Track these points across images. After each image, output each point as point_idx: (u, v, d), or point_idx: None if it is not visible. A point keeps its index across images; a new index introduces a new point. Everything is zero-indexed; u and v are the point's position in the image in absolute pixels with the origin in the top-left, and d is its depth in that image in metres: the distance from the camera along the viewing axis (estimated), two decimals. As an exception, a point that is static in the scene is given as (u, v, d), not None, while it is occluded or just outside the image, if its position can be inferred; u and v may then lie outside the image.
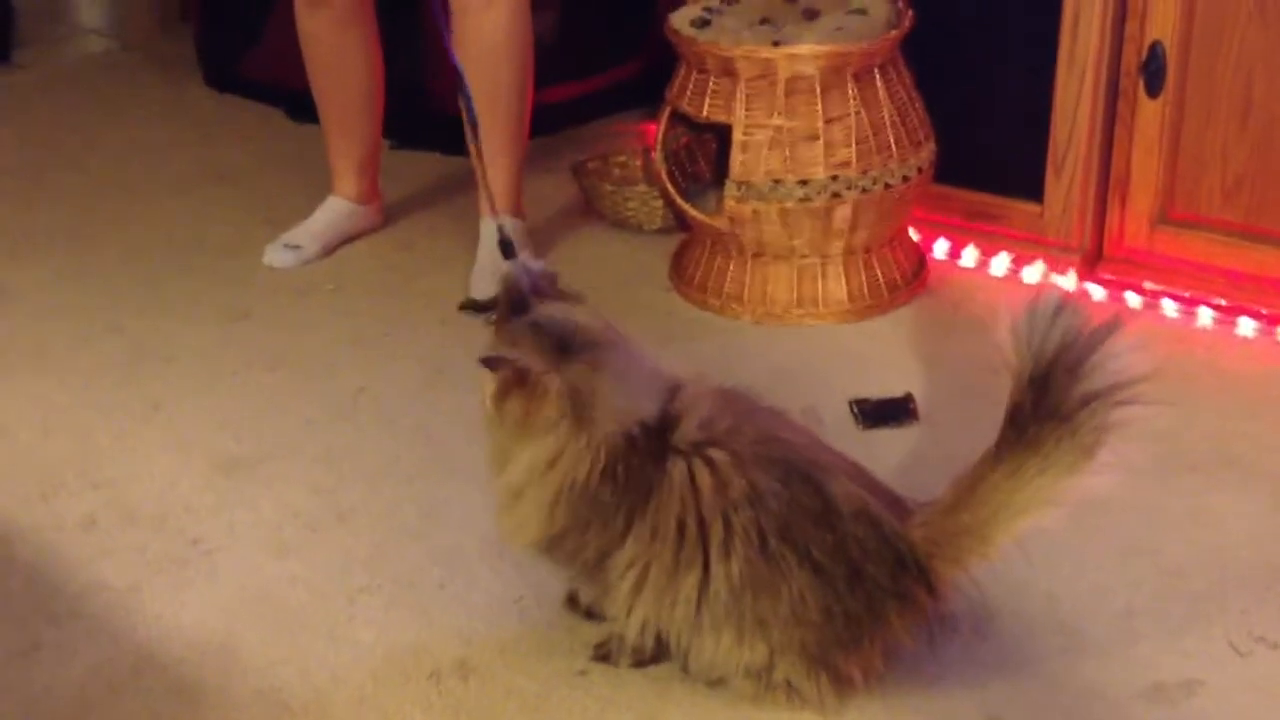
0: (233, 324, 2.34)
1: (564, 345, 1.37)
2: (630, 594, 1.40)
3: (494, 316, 1.45)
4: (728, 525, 1.35)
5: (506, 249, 2.00)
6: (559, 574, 1.53)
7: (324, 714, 1.46)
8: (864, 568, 1.36)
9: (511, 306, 1.41)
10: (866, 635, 1.38)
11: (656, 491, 1.37)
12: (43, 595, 1.66)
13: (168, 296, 2.44)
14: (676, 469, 1.37)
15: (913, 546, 1.37)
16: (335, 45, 2.48)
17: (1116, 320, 1.32)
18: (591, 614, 1.56)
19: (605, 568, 1.41)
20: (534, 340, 1.37)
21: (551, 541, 1.43)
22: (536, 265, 1.48)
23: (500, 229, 2.05)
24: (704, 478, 1.37)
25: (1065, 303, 1.32)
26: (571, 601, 1.59)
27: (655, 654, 1.49)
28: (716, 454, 1.37)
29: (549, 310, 1.41)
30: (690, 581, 1.37)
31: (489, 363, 1.38)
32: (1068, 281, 2.34)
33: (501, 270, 1.51)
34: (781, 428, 1.44)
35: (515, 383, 1.37)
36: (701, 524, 1.36)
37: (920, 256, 2.42)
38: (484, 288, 2.40)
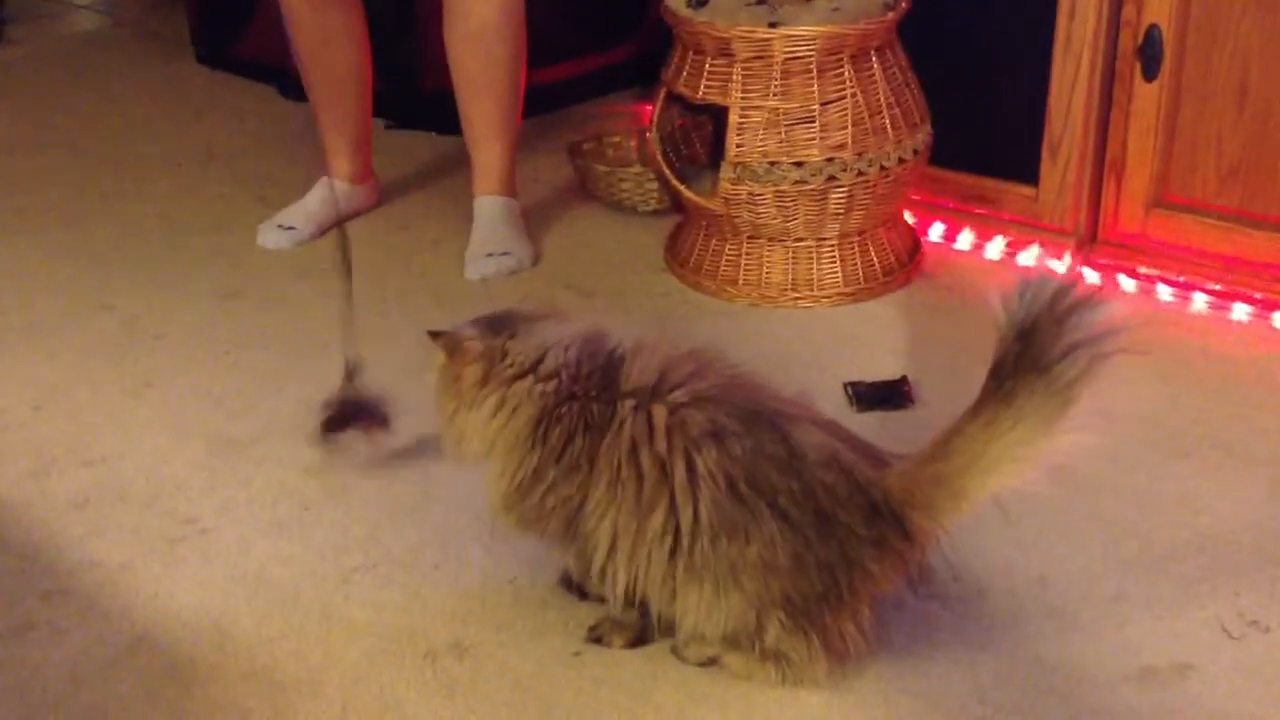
0: (225, 302, 2.33)
1: (494, 324, 1.48)
2: (606, 545, 1.40)
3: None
4: (690, 465, 1.35)
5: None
6: (550, 550, 1.52)
7: (317, 693, 1.46)
8: (835, 515, 1.35)
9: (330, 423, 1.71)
10: (845, 585, 1.37)
11: (608, 433, 1.39)
12: (35, 574, 1.66)
13: (160, 274, 2.43)
14: (625, 409, 1.39)
15: (887, 493, 1.36)
16: (318, 27, 2.47)
17: (1104, 289, 1.33)
18: (585, 594, 1.57)
19: (581, 520, 1.41)
20: (470, 325, 1.49)
21: (518, 500, 1.44)
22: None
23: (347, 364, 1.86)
24: (659, 415, 1.38)
25: (1056, 276, 1.33)
26: (566, 582, 1.59)
27: (645, 631, 1.49)
28: (674, 395, 1.39)
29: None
30: (656, 522, 1.37)
31: (432, 334, 1.49)
32: (1062, 265, 2.34)
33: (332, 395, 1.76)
34: (746, 379, 1.44)
35: (448, 351, 1.47)
36: (660, 462, 1.36)
37: (915, 240, 2.42)
38: (478, 268, 2.40)
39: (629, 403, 1.40)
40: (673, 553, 1.37)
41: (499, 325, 1.48)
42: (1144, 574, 1.62)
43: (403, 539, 1.71)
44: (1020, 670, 1.47)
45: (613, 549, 1.40)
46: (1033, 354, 1.29)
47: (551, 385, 1.42)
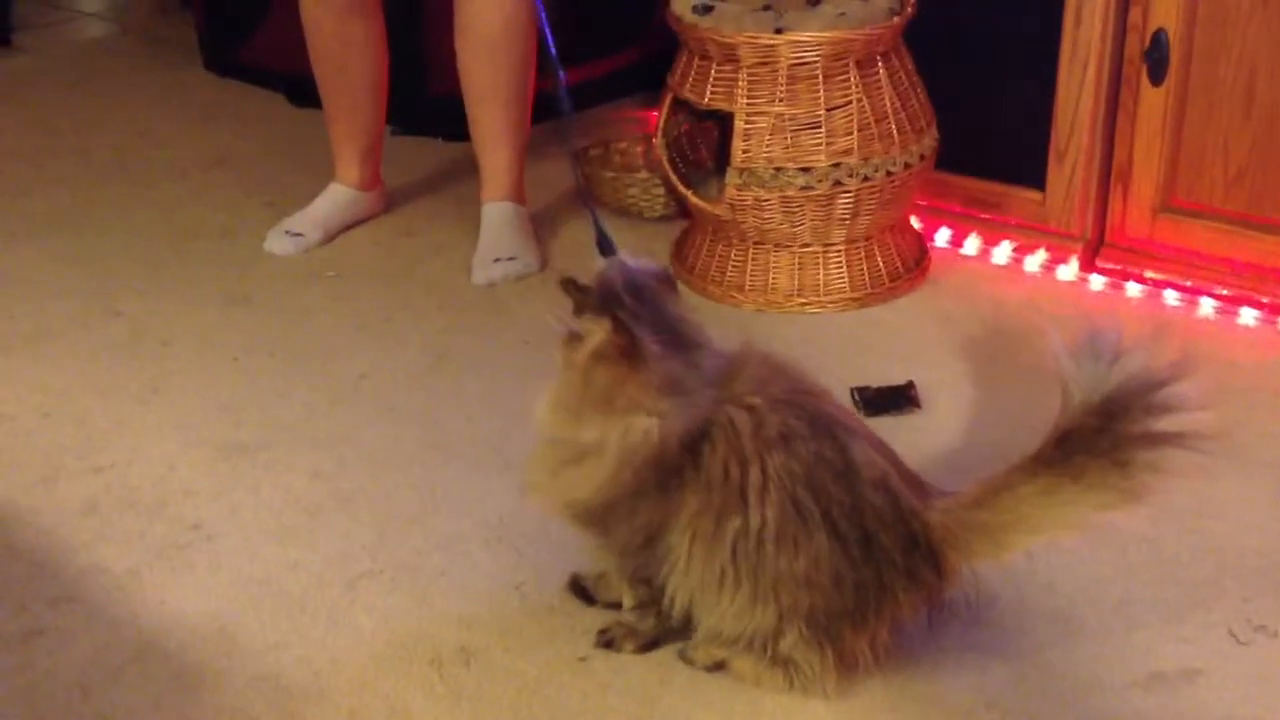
0: (233, 308, 2.34)
1: (678, 338, 1.39)
2: (686, 551, 1.38)
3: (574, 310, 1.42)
4: (764, 469, 1.35)
5: (604, 247, 1.81)
6: (591, 544, 1.48)
7: (324, 699, 1.46)
8: (878, 537, 1.35)
9: (603, 303, 1.39)
10: (873, 609, 1.37)
11: (707, 440, 1.36)
12: (43, 580, 1.66)
13: (167, 280, 2.44)
14: (722, 415, 1.37)
15: (927, 527, 1.36)
16: (340, 34, 2.47)
17: (1186, 363, 1.30)
18: (593, 599, 1.57)
19: (666, 531, 1.39)
20: (653, 323, 1.38)
21: (602, 507, 1.40)
22: (637, 263, 1.45)
23: (596, 224, 1.79)
24: (743, 419, 1.36)
25: (1128, 338, 1.31)
26: (575, 587, 1.59)
27: (657, 637, 1.49)
28: (753, 399, 1.38)
29: (669, 299, 1.43)
30: (733, 525, 1.36)
31: (617, 324, 1.35)
32: (1069, 270, 2.34)
33: (599, 267, 1.48)
34: (811, 386, 1.44)
35: (622, 351, 1.35)
36: (743, 466, 1.35)
37: (922, 244, 2.42)
38: (485, 274, 2.40)
39: (724, 410, 1.37)
40: (734, 556, 1.37)
41: (681, 344, 1.38)
42: (1152, 579, 1.61)
43: (409, 544, 1.71)
44: (1028, 676, 1.47)
45: (690, 555, 1.38)
46: (1114, 439, 1.28)
47: (694, 411, 1.37)
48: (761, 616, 1.38)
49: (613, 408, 1.36)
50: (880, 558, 1.36)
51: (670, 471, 1.37)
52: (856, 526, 1.35)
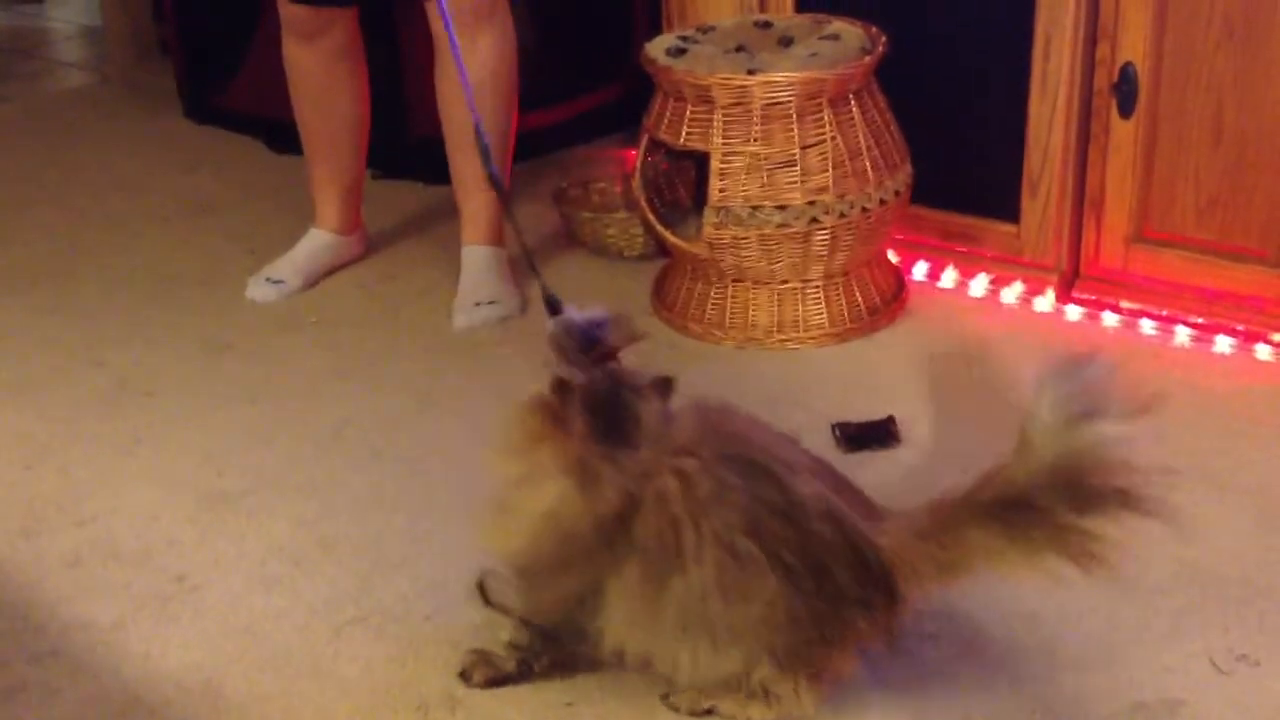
0: (215, 356, 2.34)
1: (614, 410, 1.39)
2: (627, 612, 1.39)
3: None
4: (698, 529, 1.36)
5: (552, 306, 1.77)
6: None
7: (311, 749, 1.46)
8: (830, 568, 1.37)
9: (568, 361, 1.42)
10: (834, 637, 1.39)
11: (639, 514, 1.37)
12: (27, 635, 1.66)
13: (149, 329, 2.44)
14: (650, 487, 1.38)
15: (877, 551, 1.38)
16: (325, 78, 2.49)
17: (1146, 404, 1.33)
18: (489, 600, 1.62)
19: (596, 598, 1.40)
20: (590, 395, 1.38)
21: (525, 569, 1.45)
22: (582, 317, 1.46)
23: (544, 292, 1.78)
24: (672, 487, 1.37)
25: (1098, 385, 1.32)
26: (482, 590, 1.64)
27: (509, 676, 1.52)
28: (683, 462, 1.39)
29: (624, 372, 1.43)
30: (676, 589, 1.37)
31: (557, 386, 1.38)
32: (1046, 301, 2.36)
33: (547, 330, 1.50)
34: (751, 430, 1.45)
35: (552, 412, 1.38)
36: (676, 530, 1.37)
37: (899, 278, 2.44)
38: (466, 318, 2.41)
39: (650, 481, 1.38)
40: (683, 615, 1.38)
41: (615, 418, 1.38)
42: (1133, 609, 1.62)
43: (394, 591, 1.71)
44: (1014, 709, 1.48)
45: (631, 616, 1.39)
46: (1071, 511, 1.31)
47: (615, 486, 1.37)
48: (729, 662, 1.39)
49: (533, 462, 1.39)
50: (833, 588, 1.37)
51: (597, 546, 1.38)
52: (807, 559, 1.36)
